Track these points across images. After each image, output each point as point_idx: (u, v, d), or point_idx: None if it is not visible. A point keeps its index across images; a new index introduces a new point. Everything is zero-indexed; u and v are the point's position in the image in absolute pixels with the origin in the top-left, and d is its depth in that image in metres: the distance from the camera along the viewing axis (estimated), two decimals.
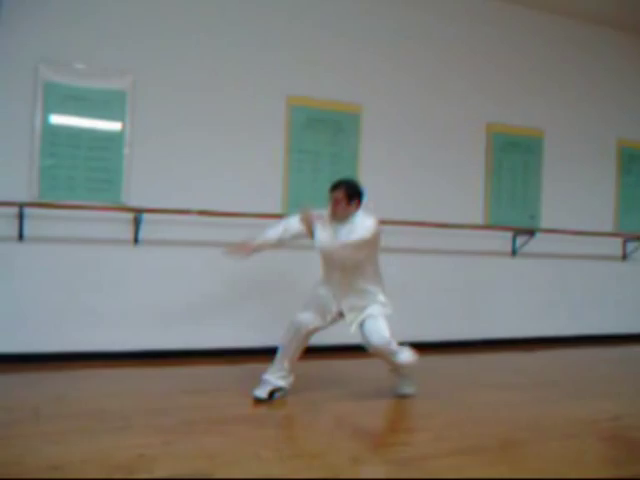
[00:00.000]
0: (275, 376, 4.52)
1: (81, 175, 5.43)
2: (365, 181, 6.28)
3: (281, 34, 6.13)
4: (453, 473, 3.26)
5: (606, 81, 7.88)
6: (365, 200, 4.58)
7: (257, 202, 5.93)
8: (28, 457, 3.26)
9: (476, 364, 6.22)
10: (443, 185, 6.85)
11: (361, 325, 4.50)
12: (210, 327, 5.80)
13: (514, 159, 7.27)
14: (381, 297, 4.60)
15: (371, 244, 4.43)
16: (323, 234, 4.34)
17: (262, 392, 4.46)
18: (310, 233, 4.40)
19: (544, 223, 7.40)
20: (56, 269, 5.37)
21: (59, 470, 3.07)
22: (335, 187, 4.48)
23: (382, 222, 6.10)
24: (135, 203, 5.51)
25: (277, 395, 4.51)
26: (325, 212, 4.54)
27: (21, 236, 5.21)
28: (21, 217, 5.17)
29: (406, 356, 4.60)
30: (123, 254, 5.56)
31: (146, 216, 5.50)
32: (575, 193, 7.66)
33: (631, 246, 7.94)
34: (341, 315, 4.57)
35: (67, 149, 5.39)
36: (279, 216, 5.91)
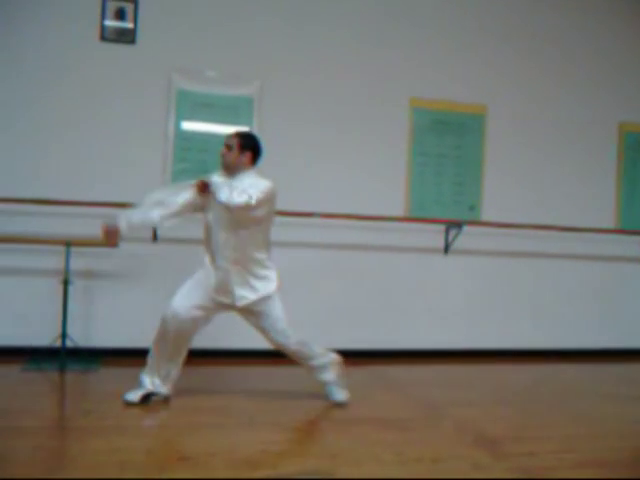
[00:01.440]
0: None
1: None
2: (490, 184, 6.21)
3: (402, 36, 6.11)
4: None
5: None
6: (260, 161, 4.31)
7: (379, 205, 5.95)
8: (160, 447, 3.44)
9: (606, 374, 5.95)
10: (571, 187, 6.59)
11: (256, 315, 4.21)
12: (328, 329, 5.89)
13: None
14: (267, 272, 4.25)
15: (267, 208, 4.16)
16: (222, 192, 3.97)
17: None
18: (205, 202, 4.10)
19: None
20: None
21: (187, 461, 3.20)
22: (229, 135, 4.23)
23: (508, 226, 6.00)
24: None
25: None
26: (215, 175, 4.19)
27: None
28: None
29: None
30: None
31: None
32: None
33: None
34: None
35: (197, 154, 5.62)
36: (403, 219, 5.93)
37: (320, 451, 3.47)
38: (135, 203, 4.15)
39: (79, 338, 5.20)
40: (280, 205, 5.71)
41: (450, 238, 6.09)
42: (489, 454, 3.55)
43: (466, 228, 6.02)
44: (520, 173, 6.39)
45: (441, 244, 6.13)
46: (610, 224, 6.66)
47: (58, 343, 5.01)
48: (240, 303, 4.17)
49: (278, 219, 5.56)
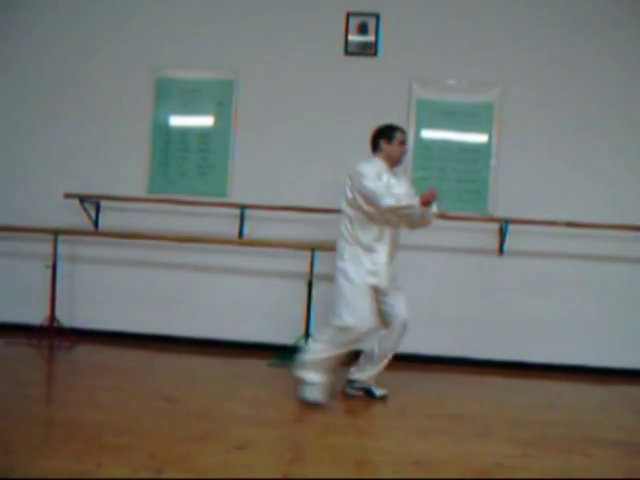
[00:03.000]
0: None
1: (450, 187, 5.64)
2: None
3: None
4: None
5: None
6: None
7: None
8: (394, 448, 3.50)
9: None
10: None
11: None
12: (572, 343, 5.60)
13: None
14: None
15: None
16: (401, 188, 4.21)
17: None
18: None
19: None
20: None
21: (420, 465, 3.23)
22: (404, 131, 4.37)
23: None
24: (501, 213, 5.55)
25: None
26: (379, 162, 4.24)
27: None
28: None
29: None
30: (490, 264, 5.66)
31: (511, 227, 5.50)
32: None
33: None
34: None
35: (436, 162, 5.65)
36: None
37: (557, 469, 3.31)
38: None
39: None
40: (519, 213, 5.59)
41: None
42: None
43: None
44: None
45: None
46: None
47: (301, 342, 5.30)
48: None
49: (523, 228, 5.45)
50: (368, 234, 4.16)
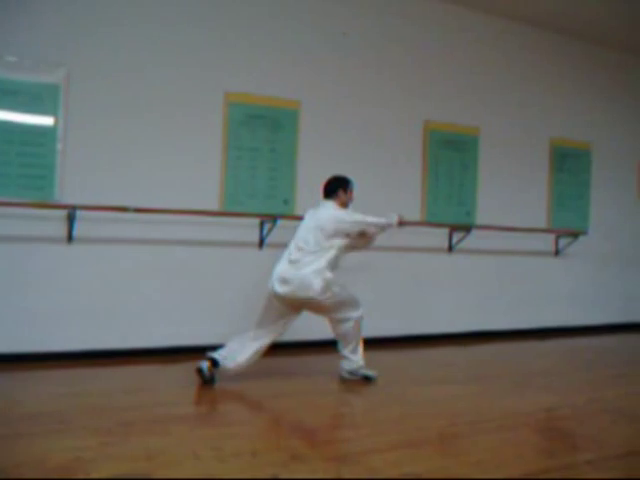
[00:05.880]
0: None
1: (14, 171, 5.27)
2: (303, 179, 6.35)
3: (217, 33, 6.06)
4: (393, 467, 3.30)
5: (540, 82, 8.06)
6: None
7: (193, 199, 5.86)
8: None
9: (413, 360, 6.29)
10: (380, 182, 6.87)
11: None
12: (145, 326, 5.74)
13: (451, 156, 7.37)
14: None
15: None
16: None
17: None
18: None
19: (480, 220, 7.53)
20: None
21: None
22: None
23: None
24: (69, 200, 5.38)
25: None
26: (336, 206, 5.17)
27: None
28: None
29: None
30: (56, 252, 5.44)
31: (80, 213, 5.37)
32: (510, 190, 7.82)
33: (563, 242, 8.16)
34: None
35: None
36: (216, 214, 5.89)
37: (135, 454, 3.36)
38: None
39: None
40: (91, 199, 5.54)
41: (265, 232, 6.14)
42: (307, 443, 3.62)
43: (280, 222, 6.09)
44: (332, 167, 6.55)
45: (256, 238, 6.17)
46: (417, 217, 7.07)
47: None
48: None
49: (88, 214, 5.37)
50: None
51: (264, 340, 4.85)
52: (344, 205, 5.18)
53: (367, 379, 5.06)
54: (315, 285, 4.77)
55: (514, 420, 4.23)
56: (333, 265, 4.94)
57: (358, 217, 5.05)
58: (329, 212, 5.03)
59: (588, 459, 3.56)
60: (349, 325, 5.00)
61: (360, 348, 5.12)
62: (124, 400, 4.37)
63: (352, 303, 5.03)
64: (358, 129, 6.76)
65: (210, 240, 5.99)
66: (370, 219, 5.07)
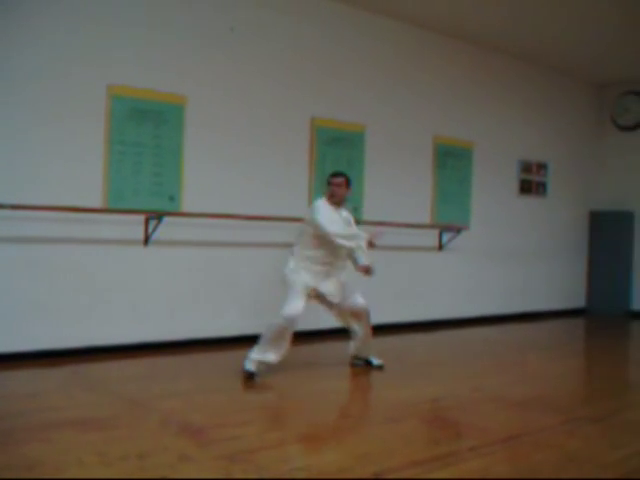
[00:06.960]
0: None
1: None
2: (190, 174, 6.26)
3: (104, 25, 5.86)
4: (282, 463, 3.31)
5: (425, 82, 8.29)
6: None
7: (75, 196, 5.65)
8: None
9: (303, 356, 6.31)
10: (267, 180, 6.86)
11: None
12: (29, 328, 5.50)
13: (337, 153, 7.46)
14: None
15: None
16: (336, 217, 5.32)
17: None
18: None
19: (366, 216, 7.64)
20: None
21: None
22: (336, 174, 5.46)
23: (208, 216, 6.14)
24: None
25: None
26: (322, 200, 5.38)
27: None
28: None
29: None
30: None
31: None
32: (395, 186, 8.00)
33: (446, 237, 8.43)
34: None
35: None
36: (101, 211, 5.73)
37: (16, 463, 3.21)
38: None
39: None
40: None
41: (150, 229, 6.01)
42: (195, 443, 3.58)
43: (167, 219, 5.98)
44: (219, 164, 6.50)
45: (141, 236, 6.02)
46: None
47: None
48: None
49: None
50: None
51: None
52: (330, 199, 5.38)
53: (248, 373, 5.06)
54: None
55: (401, 411, 4.34)
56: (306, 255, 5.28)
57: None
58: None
59: (471, 445, 3.70)
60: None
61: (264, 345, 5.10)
62: (2, 407, 4.18)
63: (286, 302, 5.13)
64: (246, 126, 6.71)
65: (93, 238, 5.79)
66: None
